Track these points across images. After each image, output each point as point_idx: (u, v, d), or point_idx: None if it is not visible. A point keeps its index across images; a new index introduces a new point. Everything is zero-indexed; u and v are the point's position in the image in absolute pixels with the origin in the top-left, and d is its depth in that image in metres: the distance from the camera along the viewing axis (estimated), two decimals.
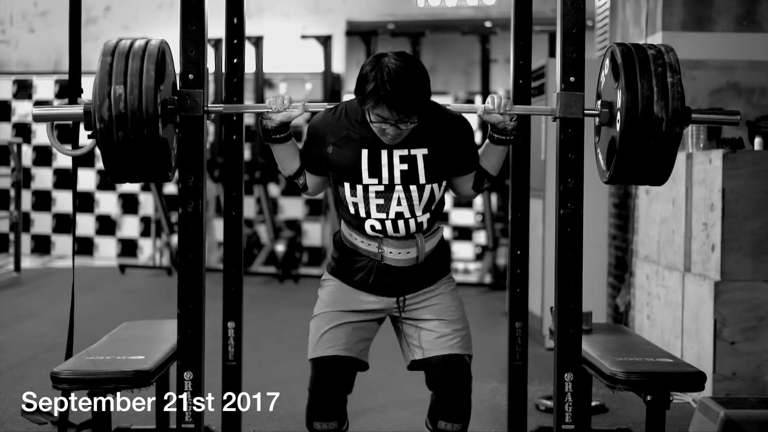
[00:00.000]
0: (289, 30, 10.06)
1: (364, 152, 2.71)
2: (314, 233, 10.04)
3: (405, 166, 2.71)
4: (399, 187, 2.72)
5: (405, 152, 2.71)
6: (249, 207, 9.79)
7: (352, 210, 2.77)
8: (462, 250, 10.17)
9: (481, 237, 10.01)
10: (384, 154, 2.71)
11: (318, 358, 2.78)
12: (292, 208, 10.15)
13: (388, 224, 2.75)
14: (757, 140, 4.48)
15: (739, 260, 4.30)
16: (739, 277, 4.30)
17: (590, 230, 4.38)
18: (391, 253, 2.78)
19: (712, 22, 5.39)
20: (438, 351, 2.77)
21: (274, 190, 9.98)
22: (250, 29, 8.61)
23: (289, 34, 10.00)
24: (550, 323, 4.89)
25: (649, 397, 3.00)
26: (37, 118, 2.81)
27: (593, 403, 4.19)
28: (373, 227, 2.76)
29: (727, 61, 5.34)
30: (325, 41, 9.12)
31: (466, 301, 8.28)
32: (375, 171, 2.71)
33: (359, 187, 2.73)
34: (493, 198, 8.94)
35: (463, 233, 10.23)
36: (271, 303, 7.66)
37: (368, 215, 2.75)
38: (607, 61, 2.80)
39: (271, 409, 3.56)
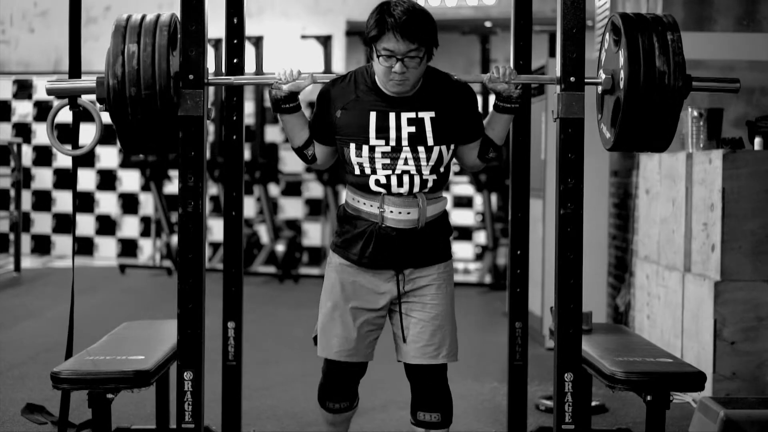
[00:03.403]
0: (289, 30, 10.06)
1: (373, 114, 2.75)
2: (314, 233, 10.04)
3: (413, 129, 2.75)
4: (407, 148, 2.75)
5: (413, 115, 2.75)
6: (249, 207, 9.80)
7: (357, 171, 2.79)
8: (462, 250, 10.17)
9: (481, 237, 10.02)
10: (392, 116, 2.74)
11: (329, 360, 2.89)
12: (292, 208, 10.15)
13: (393, 179, 2.76)
14: (757, 140, 4.47)
15: (739, 260, 4.30)
16: (739, 277, 4.30)
17: (590, 230, 4.38)
18: (392, 212, 2.77)
19: (712, 21, 5.39)
20: (420, 360, 2.83)
21: (274, 190, 9.98)
22: (250, 29, 8.61)
23: (289, 34, 10.01)
24: (550, 323, 4.89)
25: (649, 397, 3.00)
26: (51, 92, 2.86)
27: (593, 403, 4.19)
28: (377, 181, 2.77)
29: (727, 61, 5.34)
30: (325, 41, 9.12)
31: (466, 301, 8.27)
32: (383, 132, 2.74)
33: (365, 148, 2.75)
34: (493, 198, 8.94)
35: (463, 233, 10.23)
36: (271, 303, 7.66)
37: (374, 172, 2.77)
38: (608, 36, 2.86)
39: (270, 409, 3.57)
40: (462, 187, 10.05)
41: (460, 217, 10.23)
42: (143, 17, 2.71)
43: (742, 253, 4.30)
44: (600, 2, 6.84)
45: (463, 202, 10.23)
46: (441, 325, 2.83)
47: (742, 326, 4.29)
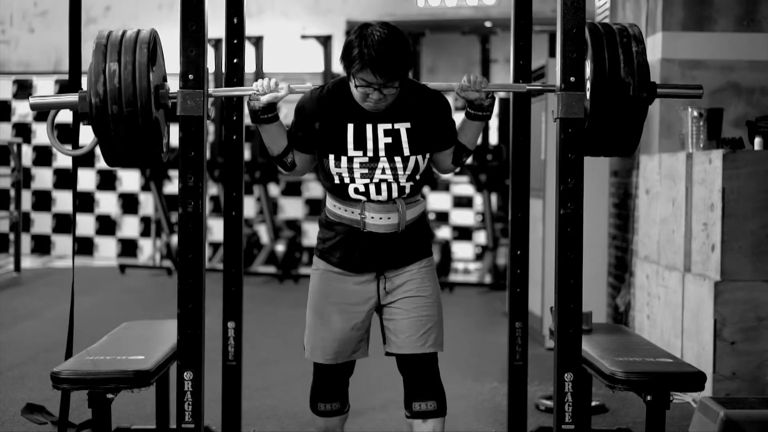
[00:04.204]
0: (289, 30, 10.06)
1: (350, 126, 2.82)
2: (314, 233, 10.02)
3: (389, 140, 2.81)
4: (384, 159, 2.82)
5: (389, 126, 2.82)
6: (249, 207, 9.80)
7: (336, 180, 2.86)
8: (462, 250, 10.16)
9: (481, 237, 10.01)
10: (369, 127, 2.81)
11: (316, 364, 2.97)
12: (292, 208, 10.15)
13: (372, 187, 2.84)
14: (757, 140, 4.47)
15: (739, 260, 4.30)
16: (739, 277, 4.30)
17: (590, 230, 4.38)
18: (372, 218, 2.85)
19: (712, 22, 5.39)
20: (410, 350, 2.90)
21: (274, 190, 9.98)
22: (250, 29, 8.60)
23: (289, 34, 10.01)
24: (550, 323, 4.89)
25: (649, 397, 3.00)
26: (35, 107, 2.89)
27: (593, 403, 4.19)
28: (356, 189, 2.84)
29: (727, 61, 5.35)
30: (325, 41, 9.12)
31: (466, 301, 8.27)
32: (360, 144, 2.81)
33: (344, 159, 2.82)
34: (493, 198, 8.94)
35: (463, 233, 10.23)
36: (271, 303, 7.66)
37: (352, 181, 2.84)
38: None
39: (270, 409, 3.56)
40: (462, 187, 10.05)
41: (460, 217, 10.23)
42: (123, 33, 2.76)
43: (742, 253, 4.30)
44: (600, 2, 6.84)
45: (463, 202, 10.23)
46: (427, 316, 2.91)
47: (742, 326, 4.29)
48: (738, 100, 5.31)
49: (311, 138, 2.87)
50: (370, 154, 2.81)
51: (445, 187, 10.10)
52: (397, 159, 2.82)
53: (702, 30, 5.37)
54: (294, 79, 10.02)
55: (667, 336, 4.90)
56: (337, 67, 9.78)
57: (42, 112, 10.95)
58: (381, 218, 2.85)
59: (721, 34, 5.36)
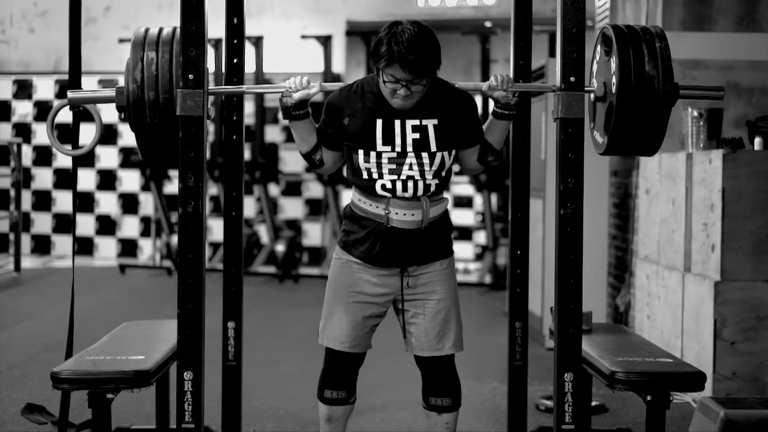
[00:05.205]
0: (289, 30, 10.06)
1: (379, 121, 2.87)
2: (314, 233, 10.04)
3: (417, 135, 2.87)
4: (411, 154, 2.87)
5: (417, 122, 2.87)
6: (249, 207, 9.80)
7: (365, 175, 2.91)
8: (462, 250, 10.16)
9: (481, 237, 10.01)
10: (397, 123, 2.87)
11: (329, 349, 3.01)
12: (292, 208, 10.15)
13: (399, 184, 2.88)
14: (757, 140, 4.47)
15: (739, 260, 4.30)
16: (739, 277, 4.30)
17: (590, 230, 4.38)
18: (396, 214, 2.89)
19: (712, 22, 5.39)
20: (428, 353, 2.98)
21: (274, 190, 9.98)
22: (250, 29, 8.61)
23: (289, 34, 10.01)
24: (550, 323, 4.89)
25: (649, 397, 3.00)
26: (73, 102, 2.95)
27: (593, 403, 4.19)
28: (383, 186, 2.89)
29: (727, 61, 5.35)
30: (325, 41, 9.12)
31: (467, 301, 8.28)
32: (388, 139, 2.86)
33: (372, 154, 2.87)
34: (493, 198, 8.94)
35: (463, 233, 10.24)
36: (271, 303, 7.66)
37: (380, 177, 2.89)
38: (599, 47, 2.95)
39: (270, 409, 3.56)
40: (462, 187, 10.05)
41: (460, 217, 10.23)
42: (160, 30, 2.85)
43: (742, 253, 4.30)
44: (600, 2, 6.84)
45: (463, 202, 10.23)
46: (445, 318, 2.96)
47: (742, 326, 4.29)
48: (738, 100, 5.31)
49: (340, 134, 2.93)
50: (398, 149, 2.86)
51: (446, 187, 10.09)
52: (424, 155, 2.86)
53: (702, 30, 5.37)
54: None
55: (667, 336, 4.90)
56: (337, 67, 9.79)
57: (42, 112, 10.89)
58: (405, 214, 2.89)
59: (721, 34, 5.36)
